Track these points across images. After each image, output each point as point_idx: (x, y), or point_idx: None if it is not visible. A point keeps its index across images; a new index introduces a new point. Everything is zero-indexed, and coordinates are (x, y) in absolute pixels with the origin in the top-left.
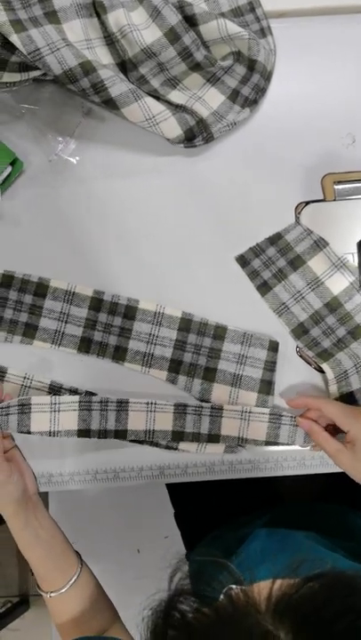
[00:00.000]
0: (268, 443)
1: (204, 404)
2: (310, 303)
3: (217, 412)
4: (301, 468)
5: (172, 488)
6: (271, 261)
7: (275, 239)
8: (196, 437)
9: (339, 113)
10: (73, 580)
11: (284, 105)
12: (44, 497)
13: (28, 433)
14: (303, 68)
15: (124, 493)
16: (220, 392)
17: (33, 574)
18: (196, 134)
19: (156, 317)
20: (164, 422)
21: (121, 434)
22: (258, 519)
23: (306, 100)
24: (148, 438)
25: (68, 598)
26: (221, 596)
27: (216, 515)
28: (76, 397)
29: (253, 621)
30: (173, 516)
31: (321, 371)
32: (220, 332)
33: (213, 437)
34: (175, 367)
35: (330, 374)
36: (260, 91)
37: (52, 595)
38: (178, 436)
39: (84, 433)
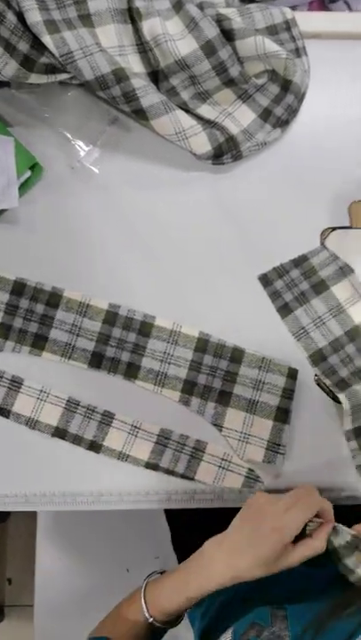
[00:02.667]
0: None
1: (188, 439)
2: (331, 330)
3: (198, 453)
4: None
5: (170, 511)
6: (294, 284)
7: (300, 261)
8: (171, 473)
9: None
10: None
11: (316, 127)
12: (33, 514)
13: (6, 415)
14: (335, 91)
15: (113, 511)
16: (233, 417)
17: (10, 584)
18: (225, 151)
19: (172, 336)
20: (141, 451)
21: (95, 447)
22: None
23: (337, 124)
24: (121, 459)
25: None
26: None
27: None
28: (66, 395)
29: None
30: (170, 541)
31: (338, 401)
32: (237, 355)
33: (186, 478)
34: (189, 389)
35: (346, 405)
36: (293, 112)
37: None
38: (151, 467)
39: (59, 433)
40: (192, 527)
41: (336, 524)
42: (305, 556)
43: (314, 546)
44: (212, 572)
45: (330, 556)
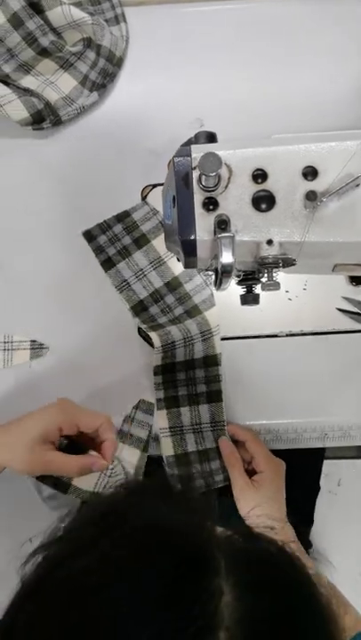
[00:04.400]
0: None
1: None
2: (151, 281)
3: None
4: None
5: None
6: (117, 238)
7: (122, 217)
8: None
9: (187, 100)
10: None
11: (135, 92)
12: None
13: None
14: (155, 57)
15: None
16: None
17: None
18: (45, 117)
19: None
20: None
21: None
22: None
23: (156, 88)
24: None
25: None
26: None
27: None
28: None
29: None
30: None
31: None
32: None
33: None
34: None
35: (157, 342)
36: (109, 75)
37: None
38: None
39: None
40: None
41: None
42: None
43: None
44: None
45: None
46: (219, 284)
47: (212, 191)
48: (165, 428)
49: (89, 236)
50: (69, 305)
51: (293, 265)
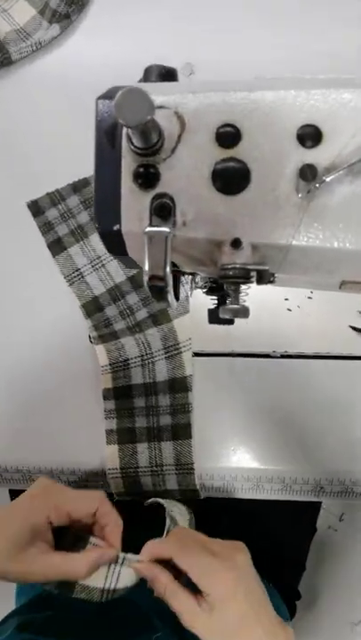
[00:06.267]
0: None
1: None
2: (111, 274)
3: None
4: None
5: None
6: (71, 214)
7: (79, 186)
8: None
9: (175, 41)
10: None
11: (108, 28)
12: None
13: None
14: None
15: None
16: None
17: None
18: None
19: None
20: None
21: None
22: None
23: (135, 25)
24: None
25: None
26: None
27: None
28: None
29: None
30: None
31: None
32: None
33: None
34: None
35: (103, 359)
36: (75, 4)
37: None
38: None
39: None
40: None
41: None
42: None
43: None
44: None
45: None
46: (162, 299)
47: (151, 155)
48: (115, 468)
49: (35, 208)
50: (6, 299)
51: (272, 282)
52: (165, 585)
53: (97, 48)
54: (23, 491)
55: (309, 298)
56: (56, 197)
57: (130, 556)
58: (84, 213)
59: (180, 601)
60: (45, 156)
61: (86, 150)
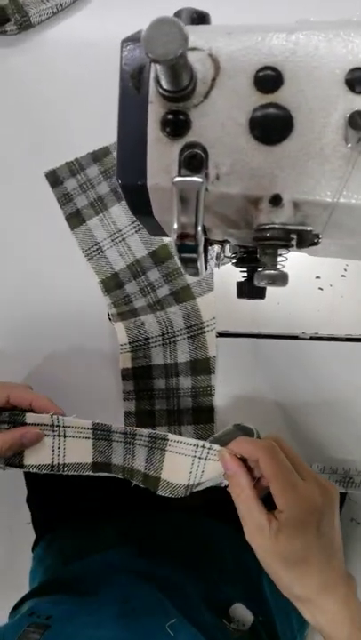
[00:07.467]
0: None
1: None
2: (131, 248)
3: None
4: None
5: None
6: (91, 184)
7: (100, 155)
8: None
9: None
10: None
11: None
12: None
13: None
14: None
15: None
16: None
17: None
18: (9, 17)
19: None
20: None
21: None
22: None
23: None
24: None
25: None
26: None
27: (70, 504)
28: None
29: None
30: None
31: None
32: None
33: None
34: None
35: (122, 337)
36: None
37: None
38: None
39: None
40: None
41: None
42: None
43: None
44: None
45: None
46: (191, 263)
47: (181, 100)
48: None
49: (53, 177)
50: (23, 274)
51: (316, 244)
52: (243, 488)
53: (121, 12)
54: (37, 474)
55: (343, 276)
56: (75, 167)
57: (216, 447)
58: (105, 184)
59: (250, 510)
60: (65, 124)
61: (108, 118)
